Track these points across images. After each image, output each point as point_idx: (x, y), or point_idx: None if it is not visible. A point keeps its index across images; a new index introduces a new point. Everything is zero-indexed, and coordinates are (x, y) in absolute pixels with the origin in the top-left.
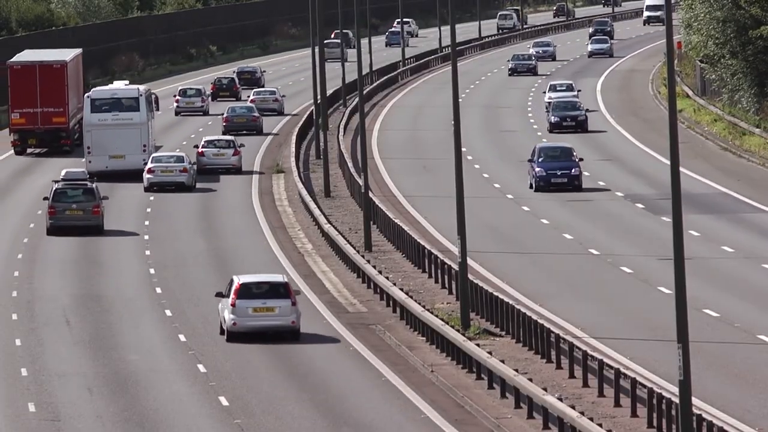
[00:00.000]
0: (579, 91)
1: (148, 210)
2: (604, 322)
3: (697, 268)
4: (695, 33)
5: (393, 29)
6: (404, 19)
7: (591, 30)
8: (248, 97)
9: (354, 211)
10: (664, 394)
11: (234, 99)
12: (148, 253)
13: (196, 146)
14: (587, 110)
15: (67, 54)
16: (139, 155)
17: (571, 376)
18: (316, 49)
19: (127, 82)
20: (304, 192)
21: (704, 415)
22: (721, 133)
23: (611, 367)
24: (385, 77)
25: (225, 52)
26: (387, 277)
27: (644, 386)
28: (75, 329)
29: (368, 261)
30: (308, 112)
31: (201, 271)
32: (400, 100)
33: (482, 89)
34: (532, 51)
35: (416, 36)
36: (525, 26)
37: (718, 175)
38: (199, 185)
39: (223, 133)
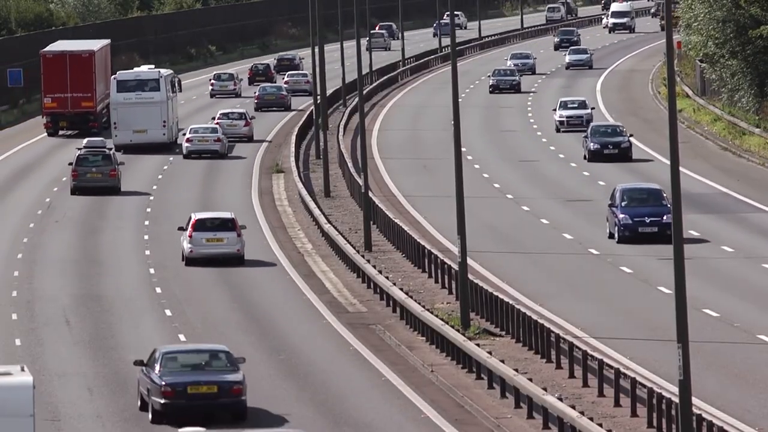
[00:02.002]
0: (593, 108)
1: (148, 210)
2: (604, 322)
3: (697, 268)
4: (695, 33)
5: (442, 21)
6: (454, 12)
7: (556, 40)
8: (283, 79)
9: (354, 211)
10: (664, 394)
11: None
12: (148, 253)
13: (213, 118)
14: (631, 135)
15: (96, 44)
16: (160, 130)
17: (571, 376)
18: (316, 49)
19: (152, 66)
20: (304, 192)
21: (704, 415)
22: (720, 133)
23: (611, 367)
24: (385, 77)
25: (225, 52)
26: (387, 277)
27: (644, 386)
28: (75, 329)
29: (368, 261)
30: (308, 112)
31: (201, 271)
32: (399, 100)
33: (482, 89)
34: (509, 63)
35: (465, 28)
36: (573, 17)
37: (718, 175)
38: (199, 179)
39: (255, 110)
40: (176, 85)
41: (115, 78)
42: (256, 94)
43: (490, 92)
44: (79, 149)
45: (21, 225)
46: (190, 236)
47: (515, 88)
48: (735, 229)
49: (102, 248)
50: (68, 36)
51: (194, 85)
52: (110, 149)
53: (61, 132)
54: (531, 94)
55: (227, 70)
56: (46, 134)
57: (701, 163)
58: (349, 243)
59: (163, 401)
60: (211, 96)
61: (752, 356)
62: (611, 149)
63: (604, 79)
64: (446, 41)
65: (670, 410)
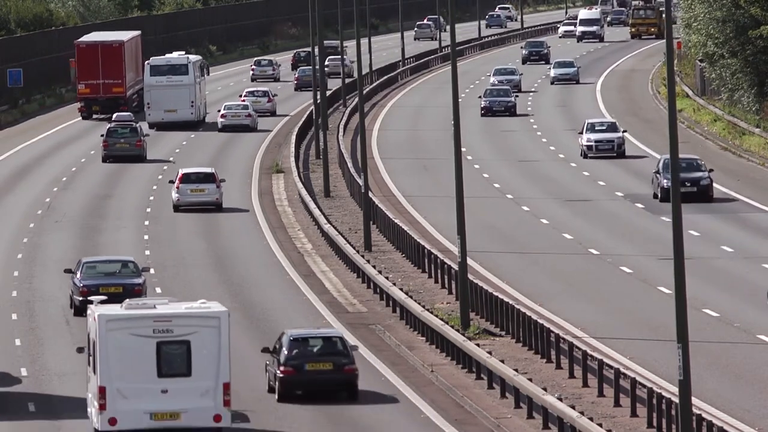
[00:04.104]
0: (624, 131)
1: (148, 210)
2: (604, 322)
3: (697, 268)
4: (695, 33)
5: (492, 13)
6: (503, 5)
7: (525, 52)
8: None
9: (354, 211)
10: (664, 394)
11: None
12: (148, 253)
13: (240, 95)
14: (711, 170)
15: (126, 35)
16: (188, 109)
17: (571, 376)
18: (316, 49)
19: (183, 52)
20: (303, 192)
21: (704, 415)
22: (720, 133)
23: (611, 367)
24: (385, 77)
25: (225, 52)
26: (387, 277)
27: (644, 386)
28: (75, 329)
29: (368, 261)
30: (308, 112)
31: (201, 271)
32: (400, 100)
33: (482, 89)
34: (493, 80)
35: (515, 20)
36: (626, 9)
37: (718, 175)
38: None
39: (295, 89)
40: (204, 70)
41: (148, 63)
42: (296, 75)
43: (482, 115)
44: (110, 123)
45: (21, 225)
46: (177, 188)
47: (510, 111)
48: (735, 229)
49: (102, 248)
50: (68, 36)
51: (264, 58)
52: (137, 123)
53: (94, 116)
54: (532, 93)
55: (266, 57)
56: (46, 134)
57: None
58: (349, 243)
59: (81, 299)
60: (252, 80)
61: (752, 356)
62: (688, 186)
63: (604, 79)
64: (445, 41)
65: (670, 410)
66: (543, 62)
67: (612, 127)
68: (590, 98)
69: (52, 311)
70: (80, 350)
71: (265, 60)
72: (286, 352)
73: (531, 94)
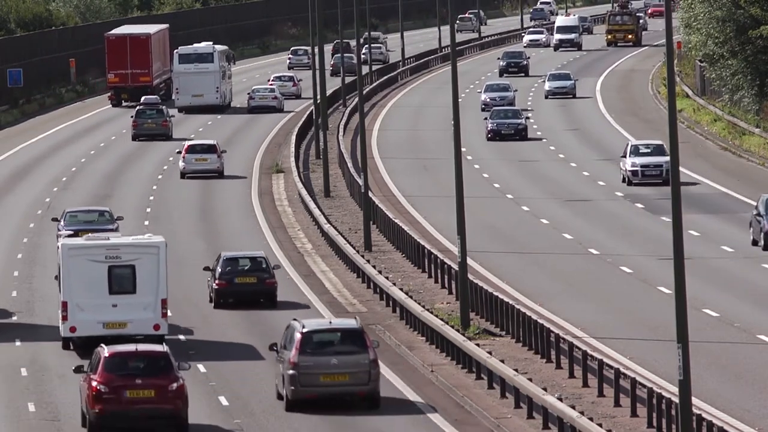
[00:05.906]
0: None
1: (148, 210)
2: (604, 322)
3: (697, 268)
4: (695, 33)
5: (537, 7)
6: (545, 0)
7: (502, 63)
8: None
9: (354, 211)
10: (664, 394)
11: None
12: None
13: (269, 80)
14: None
15: (153, 28)
16: (214, 94)
17: (571, 376)
18: (316, 49)
19: (210, 42)
20: (303, 192)
21: (704, 415)
22: (720, 133)
23: (611, 367)
24: (385, 77)
25: None
26: (387, 277)
27: (644, 386)
28: None
29: (368, 261)
30: (308, 112)
31: (201, 271)
32: (399, 100)
33: (482, 87)
34: (484, 97)
35: (556, 14)
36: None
37: (718, 175)
38: (200, 177)
39: (330, 75)
40: (230, 58)
41: (177, 52)
42: (332, 62)
43: (489, 139)
44: (138, 105)
45: (21, 225)
46: (184, 157)
47: (520, 134)
48: (735, 229)
49: None
50: (68, 36)
51: (300, 48)
52: (163, 105)
53: (124, 104)
54: (532, 93)
55: (303, 47)
56: (46, 134)
57: (701, 163)
58: (349, 243)
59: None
60: (289, 68)
61: (752, 356)
62: None
63: (604, 79)
64: (444, 41)
65: (670, 410)
66: (522, 74)
67: (659, 150)
68: (590, 98)
69: (52, 311)
70: (56, 278)
71: (301, 50)
72: (220, 269)
73: (529, 111)
